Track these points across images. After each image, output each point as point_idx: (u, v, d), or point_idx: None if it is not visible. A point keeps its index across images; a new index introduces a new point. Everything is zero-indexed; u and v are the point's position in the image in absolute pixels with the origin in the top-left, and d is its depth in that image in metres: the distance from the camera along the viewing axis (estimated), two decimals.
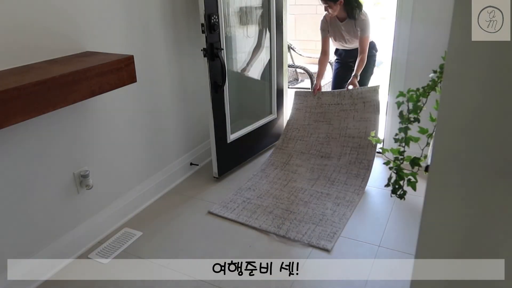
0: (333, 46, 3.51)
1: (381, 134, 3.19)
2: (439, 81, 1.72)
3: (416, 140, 1.81)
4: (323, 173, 2.95)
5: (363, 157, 2.97)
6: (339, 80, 3.46)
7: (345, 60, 3.45)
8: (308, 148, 3.19)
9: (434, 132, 1.18)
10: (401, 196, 1.91)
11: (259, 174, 3.02)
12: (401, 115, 1.83)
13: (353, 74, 3.20)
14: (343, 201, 2.64)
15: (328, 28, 3.31)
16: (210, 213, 2.58)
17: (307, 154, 3.15)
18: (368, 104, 3.10)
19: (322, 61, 3.40)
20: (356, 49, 3.25)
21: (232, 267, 2.09)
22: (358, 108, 3.14)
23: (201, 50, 2.57)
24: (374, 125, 3.05)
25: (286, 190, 2.79)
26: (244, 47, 3.11)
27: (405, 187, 1.86)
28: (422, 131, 1.75)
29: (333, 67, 3.64)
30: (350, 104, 3.18)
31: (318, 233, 2.33)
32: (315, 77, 3.49)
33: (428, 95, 1.76)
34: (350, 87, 3.19)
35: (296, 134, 3.30)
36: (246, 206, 2.62)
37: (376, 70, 3.52)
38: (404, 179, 1.85)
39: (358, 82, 3.19)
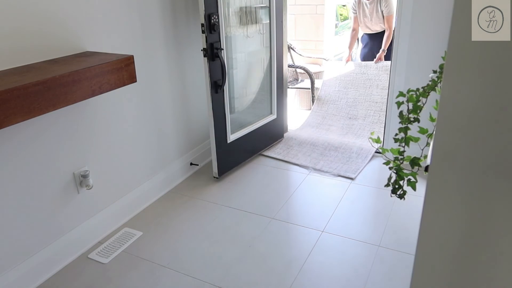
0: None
1: (381, 134, 3.20)
2: (439, 81, 1.72)
3: (416, 140, 1.81)
4: (350, 130, 3.66)
5: (383, 119, 3.39)
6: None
7: (370, 52, 4.14)
8: (339, 110, 3.87)
9: (434, 132, 1.18)
10: (401, 196, 1.91)
11: (297, 132, 3.68)
12: (401, 115, 1.83)
13: (381, 49, 3.86)
14: (365, 150, 3.26)
15: (356, 9, 4.01)
16: (261, 154, 3.31)
17: (338, 116, 3.84)
18: None
19: (353, 36, 4.20)
20: (379, 35, 3.95)
21: (232, 267, 2.09)
22: (382, 78, 3.81)
23: (201, 50, 2.57)
24: None
25: (320, 141, 3.46)
26: (244, 47, 3.11)
27: (405, 187, 1.86)
28: (422, 131, 1.75)
29: (360, 55, 4.40)
30: (375, 75, 3.87)
31: (345, 169, 3.02)
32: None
33: (428, 95, 1.76)
34: (378, 61, 3.95)
35: (329, 99, 3.98)
36: (290, 151, 3.33)
37: None
38: (404, 179, 1.85)
39: (384, 57, 3.88)
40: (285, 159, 3.21)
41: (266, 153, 3.31)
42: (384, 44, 3.88)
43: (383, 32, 4.00)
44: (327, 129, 3.72)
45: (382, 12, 3.84)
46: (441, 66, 1.68)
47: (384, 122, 3.16)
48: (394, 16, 3.71)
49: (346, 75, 4.02)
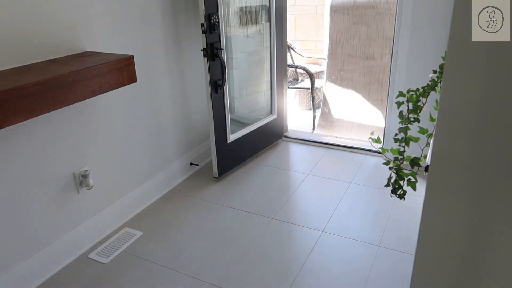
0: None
1: (381, 134, 3.20)
2: (439, 81, 1.72)
3: (416, 140, 1.81)
4: (372, 75, 3.70)
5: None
6: None
7: None
8: (355, 50, 3.79)
9: (434, 132, 1.18)
10: (401, 196, 1.91)
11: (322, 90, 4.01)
12: (401, 115, 1.83)
13: None
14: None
15: None
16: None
17: (355, 57, 3.78)
18: None
19: None
20: None
21: (232, 267, 2.09)
22: (393, 13, 3.60)
23: (201, 50, 2.57)
24: None
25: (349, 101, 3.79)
26: (244, 47, 3.11)
27: (405, 187, 1.86)
28: (422, 131, 1.75)
29: None
30: (386, 9, 3.70)
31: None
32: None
33: (428, 95, 1.76)
34: None
35: (341, 37, 3.87)
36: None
37: None
38: (404, 179, 1.85)
39: None
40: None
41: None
42: None
43: None
44: (350, 79, 3.82)
45: None
46: (441, 66, 1.68)
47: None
48: None
49: (353, 8, 3.86)
